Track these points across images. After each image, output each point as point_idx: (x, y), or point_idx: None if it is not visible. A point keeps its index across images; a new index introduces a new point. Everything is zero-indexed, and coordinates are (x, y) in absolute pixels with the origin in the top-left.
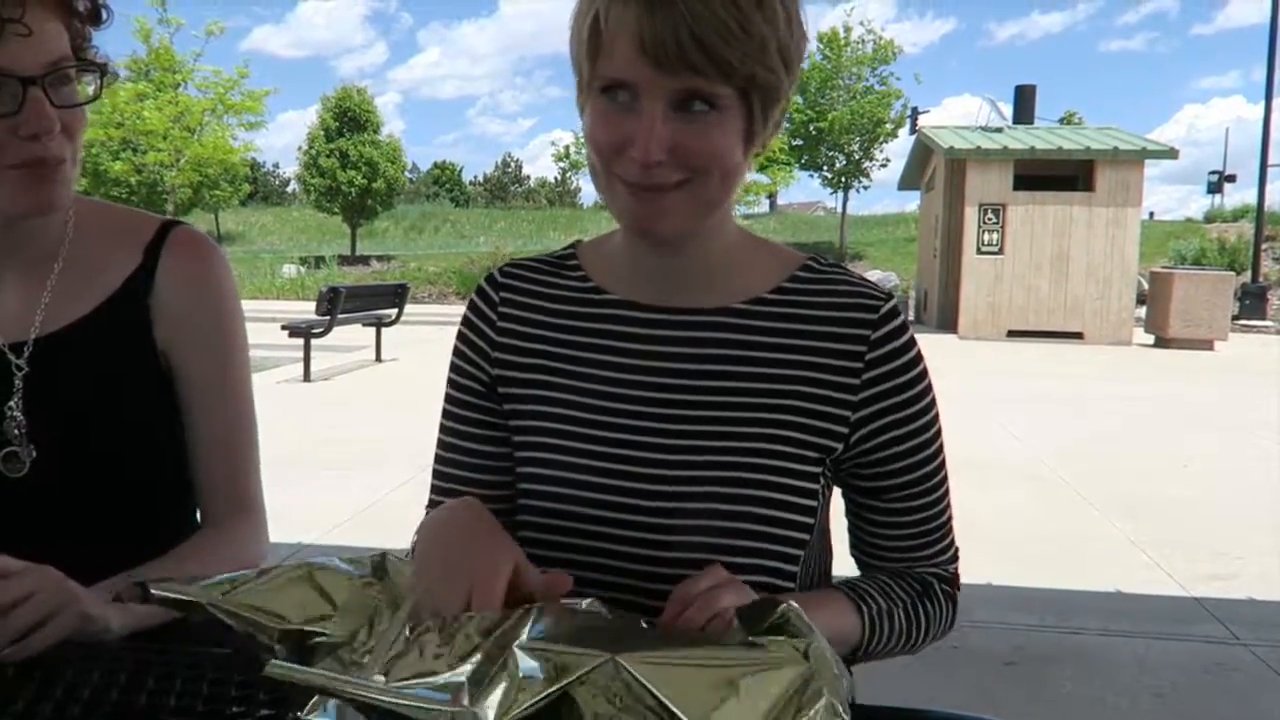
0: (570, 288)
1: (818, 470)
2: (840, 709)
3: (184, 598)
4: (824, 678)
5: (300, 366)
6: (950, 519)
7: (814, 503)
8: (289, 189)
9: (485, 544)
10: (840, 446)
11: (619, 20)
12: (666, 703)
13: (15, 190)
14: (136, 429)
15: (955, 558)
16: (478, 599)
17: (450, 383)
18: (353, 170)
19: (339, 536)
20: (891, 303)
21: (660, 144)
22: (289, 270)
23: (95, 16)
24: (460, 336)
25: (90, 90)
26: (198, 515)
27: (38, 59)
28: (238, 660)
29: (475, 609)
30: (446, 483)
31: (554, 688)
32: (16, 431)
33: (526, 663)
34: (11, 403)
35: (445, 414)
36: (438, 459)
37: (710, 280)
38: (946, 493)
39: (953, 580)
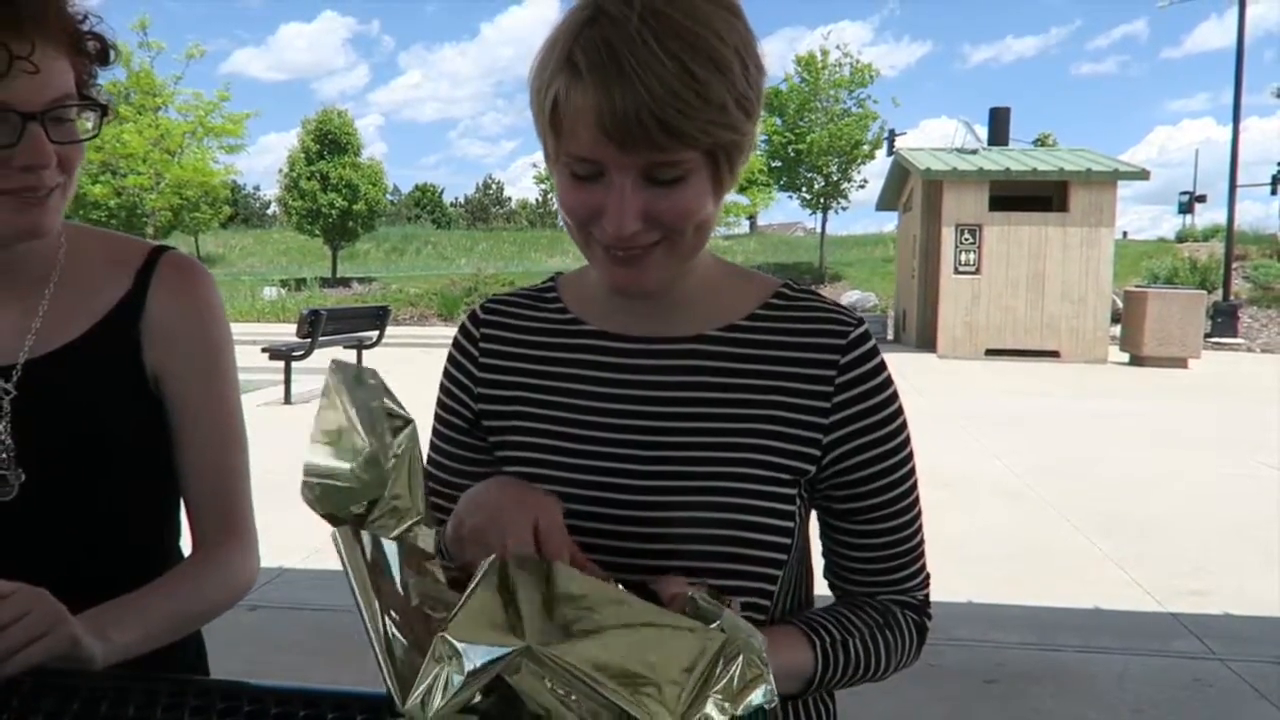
0: (549, 320)
1: (793, 492)
2: (759, 660)
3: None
4: (738, 641)
5: (281, 389)
6: (921, 544)
7: (790, 524)
8: (270, 211)
9: (539, 493)
10: (813, 468)
11: (578, 103)
12: (594, 676)
13: (8, 212)
14: (126, 453)
15: (925, 584)
16: (544, 522)
17: (436, 417)
18: (334, 193)
19: (320, 560)
20: (861, 328)
21: (633, 215)
22: (270, 293)
23: (104, 56)
24: (445, 373)
25: (89, 126)
26: (185, 539)
27: (41, 96)
28: (220, 687)
29: (542, 533)
30: (433, 512)
31: (477, 687)
32: (4, 455)
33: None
34: (0, 425)
35: (432, 447)
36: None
37: (686, 310)
38: (918, 517)
39: (920, 608)
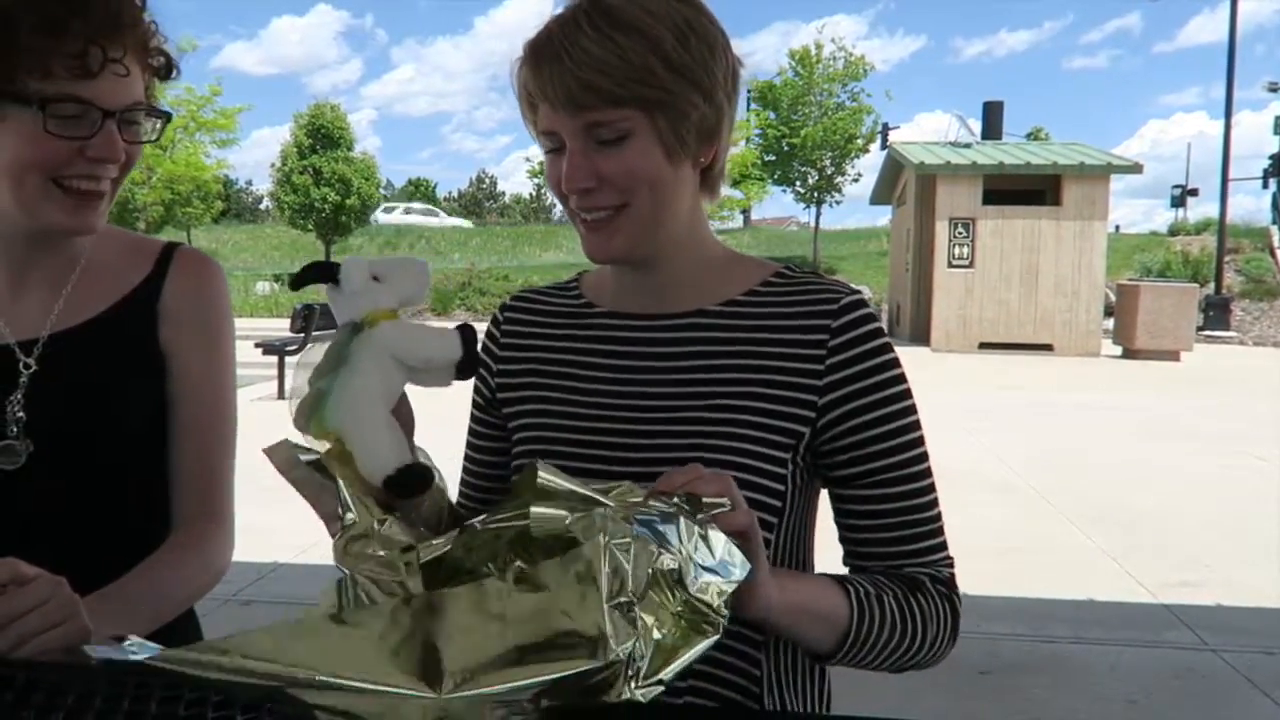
0: (565, 306)
1: (785, 456)
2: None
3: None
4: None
5: (275, 384)
6: (938, 519)
7: (782, 487)
8: (262, 206)
9: None
10: (807, 431)
11: (527, 83)
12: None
13: (62, 208)
14: (135, 430)
15: (949, 563)
16: None
17: (472, 402)
18: (326, 187)
19: (314, 555)
20: (853, 296)
21: (582, 174)
22: (263, 287)
23: (167, 72)
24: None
25: (150, 129)
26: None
27: (122, 98)
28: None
29: None
30: (465, 489)
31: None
32: (15, 426)
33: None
34: (14, 396)
35: (468, 430)
36: (462, 469)
37: (688, 288)
38: (931, 490)
39: (948, 581)
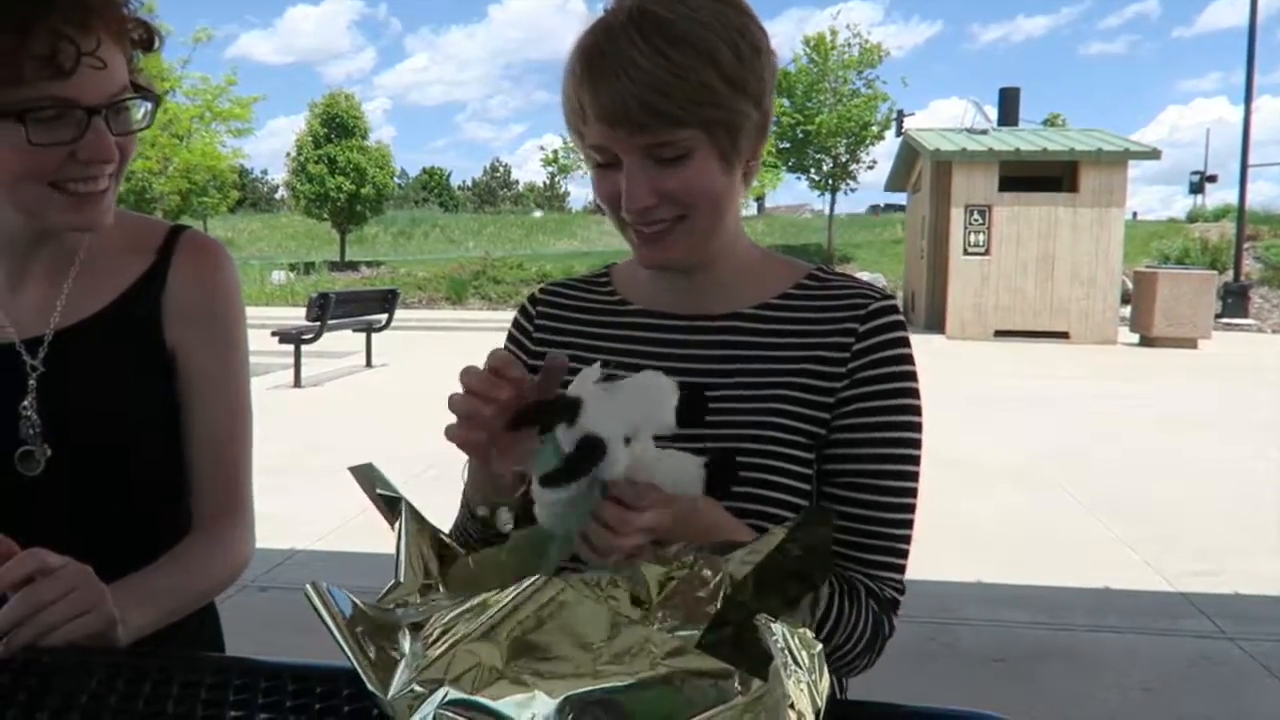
0: (599, 301)
1: (811, 456)
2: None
3: None
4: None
5: (291, 372)
6: (902, 542)
7: (807, 486)
8: (277, 195)
9: None
10: (824, 432)
11: (583, 100)
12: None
13: (66, 209)
14: (148, 427)
15: (897, 586)
16: None
17: None
18: (341, 176)
19: (331, 542)
20: (883, 302)
21: (643, 192)
22: (278, 276)
23: (149, 43)
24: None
25: (140, 116)
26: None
27: (105, 90)
28: (237, 665)
29: None
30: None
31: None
32: (31, 431)
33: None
34: (25, 402)
35: None
36: None
37: (723, 290)
38: (904, 509)
39: (886, 603)
